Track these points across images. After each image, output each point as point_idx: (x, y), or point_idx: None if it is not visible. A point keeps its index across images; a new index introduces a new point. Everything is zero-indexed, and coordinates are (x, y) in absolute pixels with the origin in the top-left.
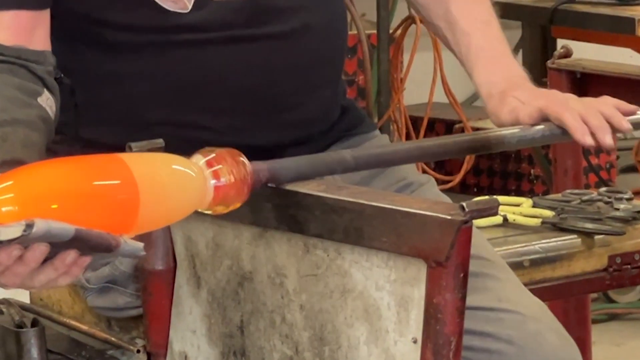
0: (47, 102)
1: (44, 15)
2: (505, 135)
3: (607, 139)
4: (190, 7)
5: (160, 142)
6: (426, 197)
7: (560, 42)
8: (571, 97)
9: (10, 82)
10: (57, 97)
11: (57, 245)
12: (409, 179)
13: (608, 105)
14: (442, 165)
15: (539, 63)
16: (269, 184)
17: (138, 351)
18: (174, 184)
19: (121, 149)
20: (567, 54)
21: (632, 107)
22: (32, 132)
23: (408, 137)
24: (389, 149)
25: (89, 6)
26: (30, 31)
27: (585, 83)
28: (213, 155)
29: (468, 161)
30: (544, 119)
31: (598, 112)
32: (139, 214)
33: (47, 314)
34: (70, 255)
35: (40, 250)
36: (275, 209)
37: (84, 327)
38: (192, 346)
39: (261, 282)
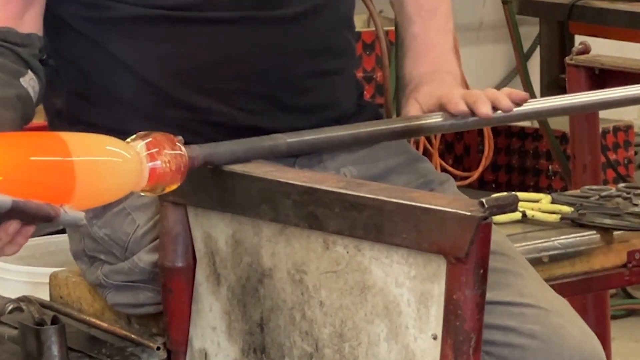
0: (30, 82)
1: None
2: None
3: (483, 109)
4: None
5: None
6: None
7: (578, 39)
8: (470, 91)
9: None
10: (41, 79)
11: None
12: (429, 177)
13: (494, 91)
14: (460, 162)
15: (557, 59)
16: (208, 166)
17: (158, 348)
18: (109, 163)
19: (124, 134)
20: (586, 50)
21: (523, 94)
22: (6, 111)
23: None
24: (322, 135)
25: None
26: (20, 13)
27: (604, 79)
28: (150, 139)
29: (486, 157)
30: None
31: (481, 94)
32: (75, 187)
33: (67, 312)
34: (12, 225)
35: None
36: (294, 206)
37: (104, 325)
38: (212, 343)
39: (281, 279)
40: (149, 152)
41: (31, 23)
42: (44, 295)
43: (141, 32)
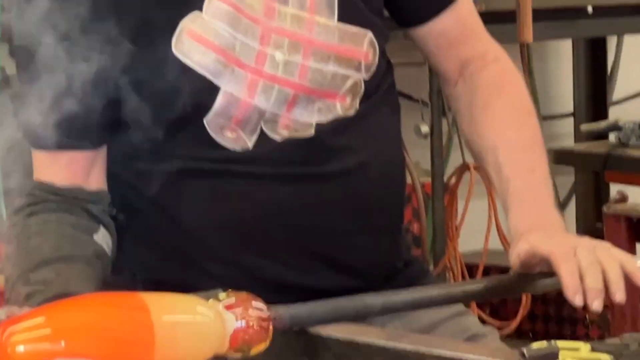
0: (103, 238)
1: (100, 154)
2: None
3: (595, 304)
4: (251, 146)
5: (243, 294)
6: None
7: (613, 187)
8: (582, 245)
9: (67, 221)
10: (113, 234)
11: None
12: (473, 331)
13: (615, 264)
14: (497, 311)
15: (593, 208)
16: (294, 329)
17: None
18: (191, 328)
19: (179, 288)
20: (623, 199)
21: (635, 268)
22: (87, 268)
23: None
24: (417, 295)
25: (142, 140)
26: (86, 171)
27: None
28: (232, 299)
29: (524, 306)
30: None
31: (600, 271)
32: (154, 356)
33: None
34: None
35: None
36: (335, 358)
37: None
38: None
39: None
40: (231, 311)
41: (97, 180)
42: None
43: (187, 185)
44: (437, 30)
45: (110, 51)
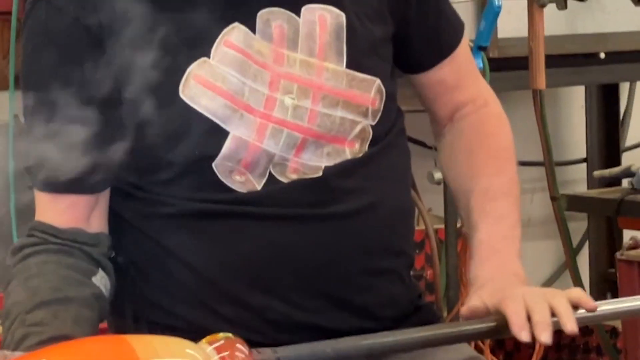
0: (102, 280)
1: (102, 198)
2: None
3: (543, 337)
4: (259, 188)
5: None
6: None
7: (627, 233)
8: (531, 290)
9: (65, 262)
10: (111, 277)
11: None
12: None
13: (563, 299)
14: (511, 357)
15: (606, 254)
16: None
17: None
18: None
19: (188, 330)
20: (636, 245)
21: (592, 304)
22: (84, 310)
23: None
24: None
25: (150, 183)
26: (87, 215)
27: None
28: (221, 342)
29: (537, 353)
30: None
31: (547, 307)
32: None
33: None
34: None
35: None
36: None
37: None
38: None
39: None
40: (220, 355)
41: (97, 223)
42: None
43: (197, 227)
44: (435, 78)
45: (116, 96)
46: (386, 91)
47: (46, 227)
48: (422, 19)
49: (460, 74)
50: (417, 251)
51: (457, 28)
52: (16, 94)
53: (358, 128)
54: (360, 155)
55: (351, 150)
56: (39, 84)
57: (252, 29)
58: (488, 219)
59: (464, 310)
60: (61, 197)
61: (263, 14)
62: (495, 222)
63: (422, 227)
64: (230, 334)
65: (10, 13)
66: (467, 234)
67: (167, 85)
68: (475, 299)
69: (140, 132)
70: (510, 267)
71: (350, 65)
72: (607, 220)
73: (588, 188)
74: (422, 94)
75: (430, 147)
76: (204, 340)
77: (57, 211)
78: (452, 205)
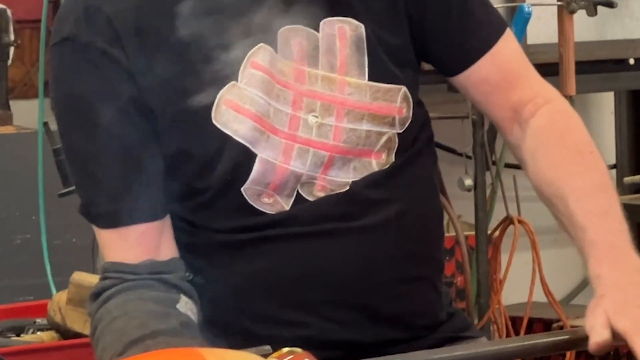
0: (187, 306)
1: (166, 223)
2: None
3: None
4: (288, 208)
5: (267, 348)
6: None
7: None
8: None
9: (147, 296)
10: (195, 299)
11: None
12: None
13: None
14: None
15: None
16: None
17: None
18: None
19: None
20: None
21: None
22: (173, 339)
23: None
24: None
25: (183, 210)
26: (156, 243)
27: None
28: (290, 357)
29: None
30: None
31: None
32: None
33: None
34: None
35: None
36: None
37: None
38: None
39: None
40: None
41: (168, 249)
42: None
43: (228, 255)
44: (476, 78)
45: (154, 125)
46: (412, 97)
47: (119, 265)
48: (444, 20)
49: (508, 73)
50: (448, 258)
51: (492, 26)
52: (45, 101)
53: (384, 139)
54: (387, 165)
55: (378, 161)
56: (76, 127)
57: (275, 47)
58: (593, 218)
59: (592, 347)
60: (128, 229)
61: (283, 32)
62: (601, 219)
63: (452, 233)
64: (297, 348)
65: (39, 21)
66: (576, 239)
67: (200, 113)
68: (600, 315)
69: (177, 161)
70: (629, 262)
71: (373, 77)
72: (637, 227)
73: (618, 194)
74: (470, 97)
75: (460, 154)
76: (273, 355)
77: (126, 246)
78: (483, 212)
